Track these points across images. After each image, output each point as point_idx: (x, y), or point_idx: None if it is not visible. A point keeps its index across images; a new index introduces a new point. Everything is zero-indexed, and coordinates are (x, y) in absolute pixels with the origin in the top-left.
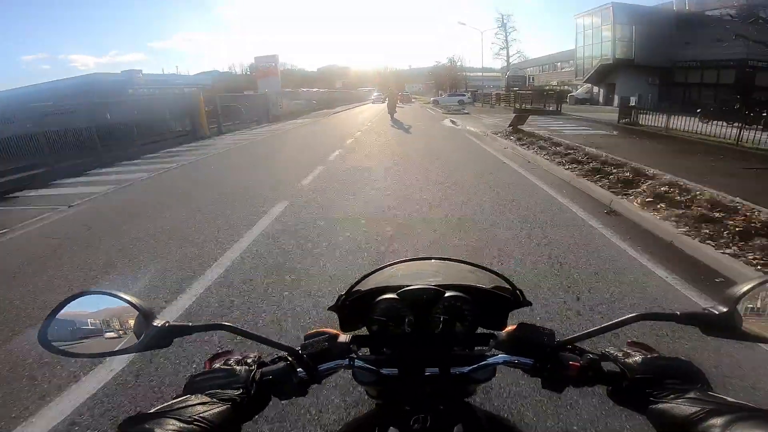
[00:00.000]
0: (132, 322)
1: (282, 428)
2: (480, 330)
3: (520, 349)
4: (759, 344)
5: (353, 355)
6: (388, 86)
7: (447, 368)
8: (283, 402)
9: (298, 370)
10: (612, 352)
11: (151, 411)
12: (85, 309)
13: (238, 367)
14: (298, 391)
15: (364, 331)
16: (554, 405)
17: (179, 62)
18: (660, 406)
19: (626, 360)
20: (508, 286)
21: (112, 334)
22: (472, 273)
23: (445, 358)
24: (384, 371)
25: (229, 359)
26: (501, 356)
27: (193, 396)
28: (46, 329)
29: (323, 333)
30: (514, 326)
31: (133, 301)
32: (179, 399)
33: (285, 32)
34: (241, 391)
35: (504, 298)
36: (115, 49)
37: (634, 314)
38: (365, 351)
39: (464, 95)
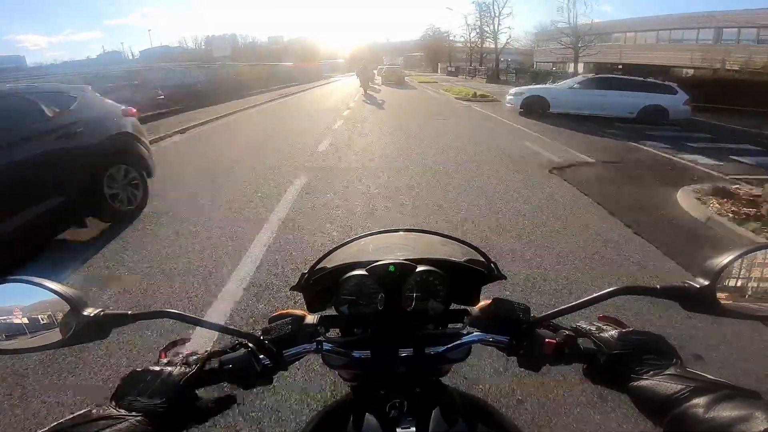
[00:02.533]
0: (64, 312)
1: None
2: (453, 306)
3: (495, 326)
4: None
5: (321, 338)
6: (361, 58)
7: (421, 348)
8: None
9: (260, 356)
10: (585, 326)
11: (43, 430)
12: (3, 300)
13: (169, 369)
14: (262, 379)
15: (333, 311)
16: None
17: (136, 39)
18: (641, 383)
19: (601, 335)
20: (481, 259)
21: (37, 327)
22: (444, 245)
23: (419, 337)
24: (355, 354)
25: (183, 349)
26: (476, 334)
27: (96, 408)
28: None
29: (289, 315)
30: (489, 301)
31: (58, 289)
32: (78, 414)
33: (251, 5)
34: (163, 399)
35: (477, 272)
36: (69, 27)
37: (612, 289)
38: (335, 332)
39: (675, 91)
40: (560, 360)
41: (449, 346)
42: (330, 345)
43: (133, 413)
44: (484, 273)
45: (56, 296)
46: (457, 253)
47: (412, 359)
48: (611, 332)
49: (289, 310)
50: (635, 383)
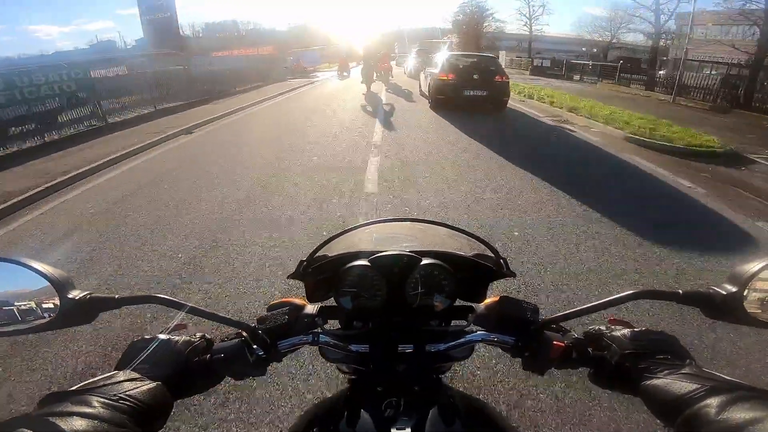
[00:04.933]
0: (49, 295)
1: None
2: (458, 302)
3: (500, 326)
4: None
5: (318, 330)
6: (367, 47)
7: (422, 345)
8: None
9: (254, 347)
10: (595, 328)
11: (74, 388)
12: None
13: (176, 338)
14: (254, 370)
15: (332, 301)
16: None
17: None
18: (653, 382)
19: (613, 334)
20: (490, 254)
21: (20, 310)
22: (452, 238)
23: (421, 334)
24: (353, 348)
25: (180, 334)
26: (480, 333)
27: (122, 372)
28: None
29: (288, 304)
30: (496, 299)
31: (43, 270)
32: (106, 375)
33: None
34: (177, 367)
35: (485, 268)
36: (80, 17)
37: (631, 292)
38: (334, 324)
39: None
40: (567, 364)
41: (451, 344)
42: (327, 337)
43: (151, 379)
44: (493, 269)
45: (40, 277)
46: (465, 248)
47: (412, 356)
48: (623, 331)
49: (290, 299)
50: (647, 382)
